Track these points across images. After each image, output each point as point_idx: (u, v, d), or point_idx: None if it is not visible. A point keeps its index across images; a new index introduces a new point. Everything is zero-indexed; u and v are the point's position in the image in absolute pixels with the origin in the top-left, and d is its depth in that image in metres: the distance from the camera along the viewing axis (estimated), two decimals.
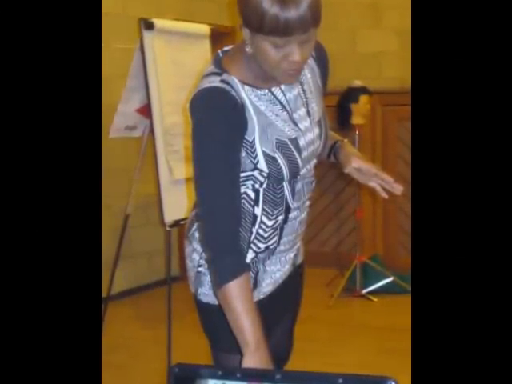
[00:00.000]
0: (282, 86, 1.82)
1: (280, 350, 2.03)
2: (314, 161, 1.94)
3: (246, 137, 1.76)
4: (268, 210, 1.86)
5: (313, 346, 4.23)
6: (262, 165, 1.79)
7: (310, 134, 1.87)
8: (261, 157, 1.78)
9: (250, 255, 1.89)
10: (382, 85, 5.81)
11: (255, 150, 1.78)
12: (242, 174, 1.81)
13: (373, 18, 6.02)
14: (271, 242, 1.90)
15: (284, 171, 1.81)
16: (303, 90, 1.87)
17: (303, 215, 1.95)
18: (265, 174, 1.81)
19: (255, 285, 1.91)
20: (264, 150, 1.78)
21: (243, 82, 1.77)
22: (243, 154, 1.78)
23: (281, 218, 1.88)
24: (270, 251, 1.91)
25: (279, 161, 1.80)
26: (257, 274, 1.91)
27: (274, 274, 1.95)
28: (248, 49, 1.74)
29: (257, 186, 1.84)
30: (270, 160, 1.79)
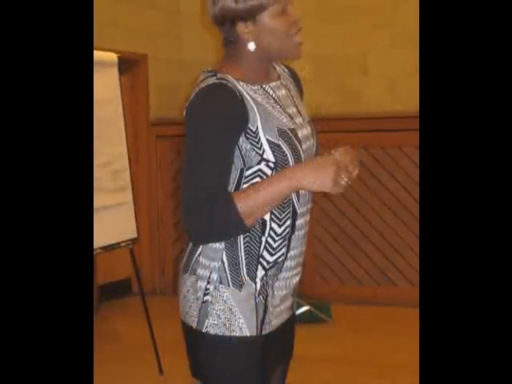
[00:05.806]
0: (272, 84, 2.06)
1: None
2: None
3: (249, 126, 1.95)
4: (276, 214, 2.00)
5: None
6: (268, 153, 1.96)
7: (305, 130, 2.08)
8: (266, 145, 1.96)
9: (259, 273, 2.01)
10: None
11: (259, 139, 1.96)
12: (248, 172, 1.97)
13: None
14: (279, 253, 2.03)
15: (289, 158, 1.98)
16: (290, 95, 2.12)
17: (306, 228, 2.11)
18: (271, 165, 1.97)
19: (265, 310, 2.03)
20: (268, 137, 1.96)
21: (237, 79, 1.99)
22: (248, 146, 1.95)
23: (288, 223, 2.02)
24: (278, 267, 2.04)
25: (284, 148, 1.98)
26: (266, 298, 2.03)
27: (281, 301, 2.08)
28: (251, 46, 1.99)
29: None
30: (275, 147, 1.97)
